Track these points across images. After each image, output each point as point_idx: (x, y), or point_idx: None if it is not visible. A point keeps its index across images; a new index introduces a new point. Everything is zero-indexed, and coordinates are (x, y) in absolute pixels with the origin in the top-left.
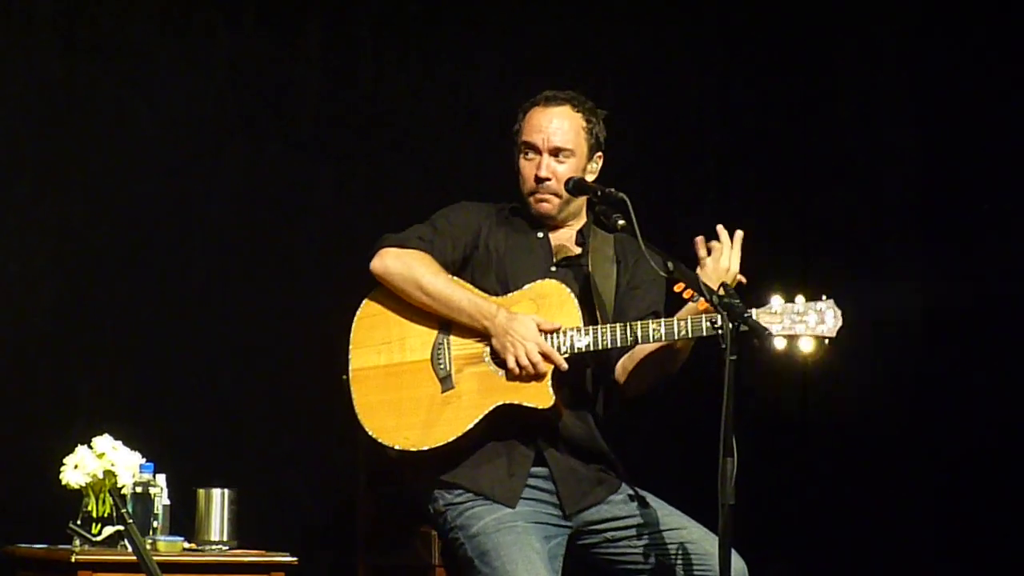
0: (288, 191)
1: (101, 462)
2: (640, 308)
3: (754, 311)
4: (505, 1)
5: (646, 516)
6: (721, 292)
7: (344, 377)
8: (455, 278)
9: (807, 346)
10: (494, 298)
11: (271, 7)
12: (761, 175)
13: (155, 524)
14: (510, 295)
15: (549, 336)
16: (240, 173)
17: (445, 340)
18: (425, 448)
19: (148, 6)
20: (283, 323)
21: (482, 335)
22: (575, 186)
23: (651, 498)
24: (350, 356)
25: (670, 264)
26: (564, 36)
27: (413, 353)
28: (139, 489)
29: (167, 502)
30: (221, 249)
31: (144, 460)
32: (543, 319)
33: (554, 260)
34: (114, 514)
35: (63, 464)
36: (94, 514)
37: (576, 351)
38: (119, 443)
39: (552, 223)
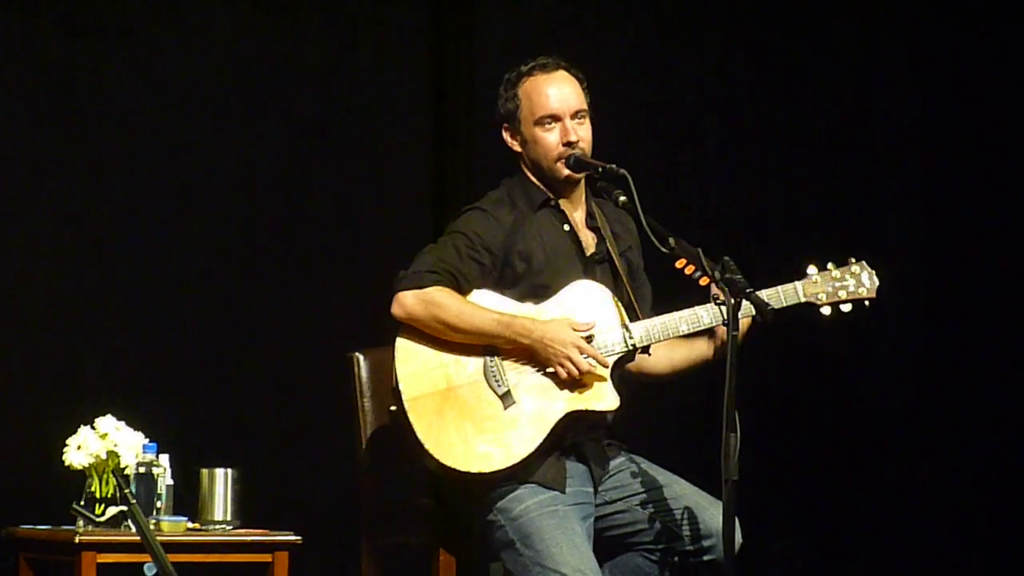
0: (289, 172)
1: (104, 443)
2: (647, 291)
3: (797, 284)
4: None
5: (646, 483)
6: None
7: (392, 409)
8: (481, 297)
9: (847, 308)
10: (530, 310)
11: None
12: (761, 152)
13: (158, 504)
14: (549, 301)
15: (602, 334)
16: (241, 154)
17: (495, 356)
18: (500, 468)
19: None
20: (285, 304)
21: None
22: (576, 162)
23: (646, 463)
24: (401, 388)
25: (671, 240)
26: (563, 14)
27: (466, 375)
28: (142, 469)
29: (170, 482)
30: (223, 230)
31: (147, 440)
32: (574, 320)
33: (587, 256)
34: (117, 495)
35: (66, 445)
36: (97, 495)
37: (630, 347)
38: (122, 424)
39: (569, 192)
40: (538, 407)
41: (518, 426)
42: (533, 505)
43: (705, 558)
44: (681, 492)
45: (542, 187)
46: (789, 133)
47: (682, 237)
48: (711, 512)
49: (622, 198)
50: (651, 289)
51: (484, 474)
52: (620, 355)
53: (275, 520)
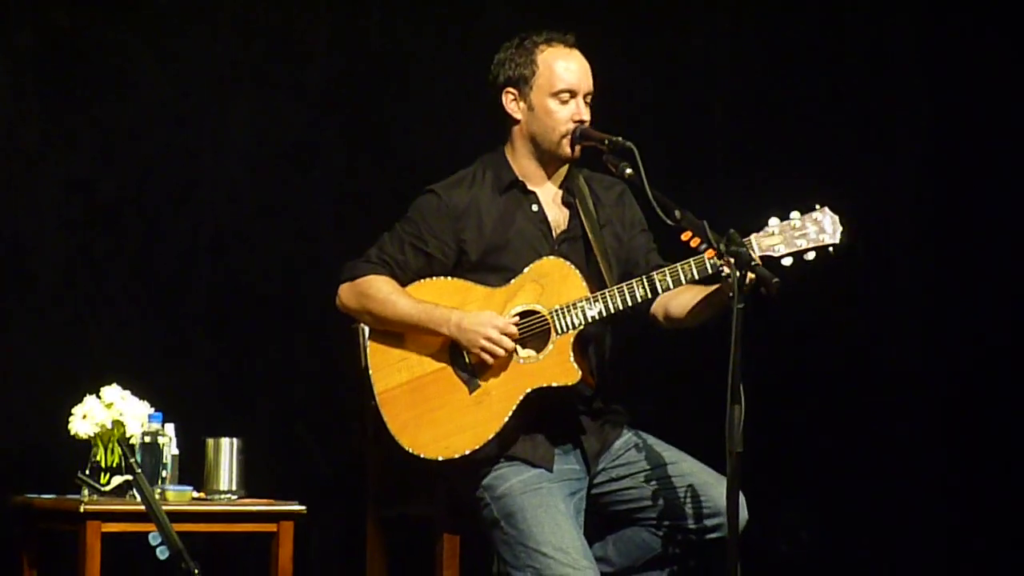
0: (297, 142)
1: (110, 412)
2: (642, 252)
3: (753, 237)
4: None
5: (651, 459)
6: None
7: (372, 403)
8: (435, 285)
9: (811, 257)
10: (498, 288)
11: None
12: (770, 126)
13: (164, 474)
14: (512, 282)
15: (559, 310)
16: (248, 124)
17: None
18: (468, 452)
19: None
20: (292, 274)
21: None
22: (582, 135)
23: (652, 439)
24: (372, 381)
25: (677, 212)
26: (569, 9)
27: (432, 363)
28: (148, 439)
29: (175, 452)
30: (230, 200)
31: (153, 410)
32: (496, 317)
33: (554, 235)
34: (123, 464)
35: (71, 414)
36: (103, 464)
37: (591, 320)
38: (127, 393)
39: (553, 169)
40: (502, 388)
41: (482, 409)
42: (517, 484)
43: (710, 536)
44: (687, 469)
45: (526, 160)
46: (798, 131)
47: (687, 209)
48: (718, 490)
49: (628, 170)
50: (652, 250)
51: (454, 459)
52: (578, 330)
53: (281, 490)
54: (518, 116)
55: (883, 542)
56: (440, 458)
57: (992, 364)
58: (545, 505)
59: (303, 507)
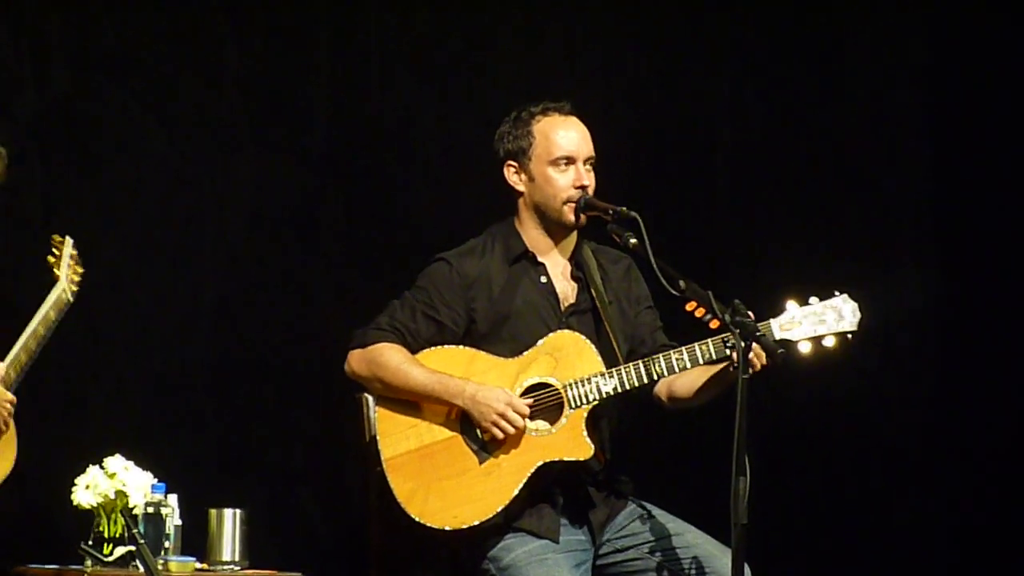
0: (298, 206)
1: (113, 482)
2: (648, 330)
3: (773, 321)
4: (512, 14)
5: (656, 530)
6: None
7: (378, 469)
8: (449, 354)
9: (830, 344)
10: (511, 359)
11: (280, 22)
12: (771, 177)
13: (167, 544)
14: (525, 354)
15: (574, 384)
16: (250, 188)
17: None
18: (476, 523)
19: (158, 21)
20: (293, 341)
21: None
22: (586, 205)
23: (657, 511)
24: (380, 447)
25: (682, 283)
26: (574, 48)
27: (442, 431)
28: (151, 509)
29: (178, 522)
30: (231, 265)
31: (156, 480)
32: (514, 396)
33: (562, 308)
34: (126, 534)
35: (74, 484)
36: (106, 534)
37: (605, 396)
38: (131, 463)
39: (560, 239)
40: (513, 460)
41: (492, 480)
42: (522, 554)
43: None
44: (692, 541)
45: (534, 231)
46: (799, 170)
47: (692, 277)
48: (723, 561)
49: (632, 240)
50: (658, 328)
51: (461, 530)
52: (592, 405)
53: (283, 560)
54: (521, 188)
55: None
56: (448, 528)
57: (998, 439)
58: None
59: None
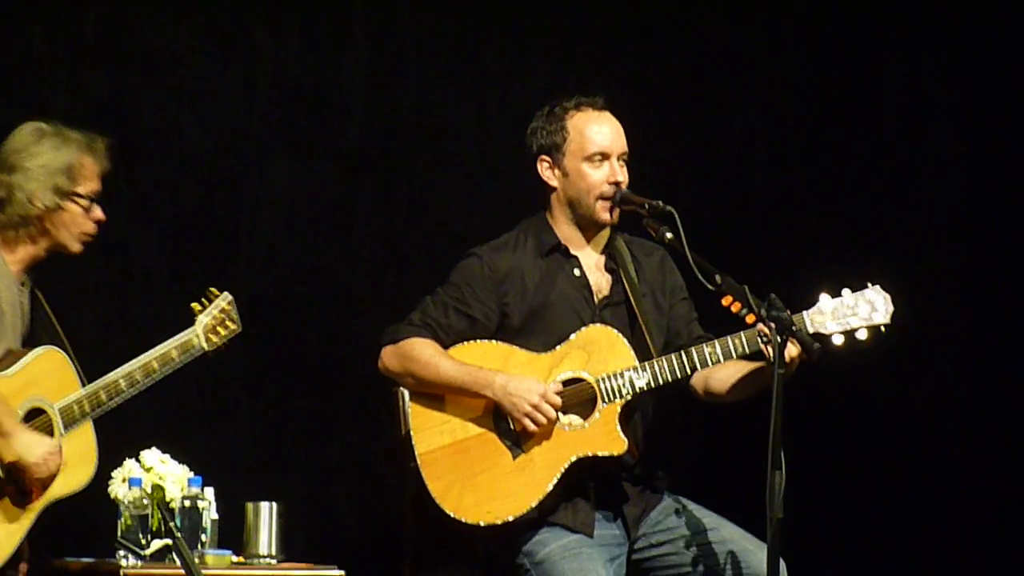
0: (333, 204)
1: (149, 476)
2: (684, 321)
3: (805, 314)
4: (549, 13)
5: (691, 525)
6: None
7: (412, 464)
8: (483, 348)
9: (863, 336)
10: (544, 354)
11: (316, 21)
12: (805, 172)
13: (203, 538)
14: (558, 348)
15: (607, 379)
16: (286, 187)
17: None
18: (510, 519)
19: (193, 21)
20: (329, 337)
21: None
22: (622, 199)
23: (692, 505)
24: (414, 442)
25: (718, 277)
26: (609, 47)
27: (475, 427)
28: (187, 503)
29: (215, 516)
30: (268, 262)
31: (192, 474)
32: (548, 388)
33: (596, 301)
34: (162, 528)
35: (111, 478)
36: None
37: (638, 390)
38: (167, 456)
39: (592, 233)
40: (546, 454)
41: (525, 476)
42: (557, 549)
43: None
44: (727, 536)
45: (567, 226)
46: (835, 165)
47: (728, 272)
48: (758, 557)
49: (668, 235)
50: (694, 319)
51: (495, 525)
52: (626, 399)
53: (319, 554)
54: (554, 183)
55: None
56: (482, 523)
57: None
58: (585, 570)
59: (342, 572)
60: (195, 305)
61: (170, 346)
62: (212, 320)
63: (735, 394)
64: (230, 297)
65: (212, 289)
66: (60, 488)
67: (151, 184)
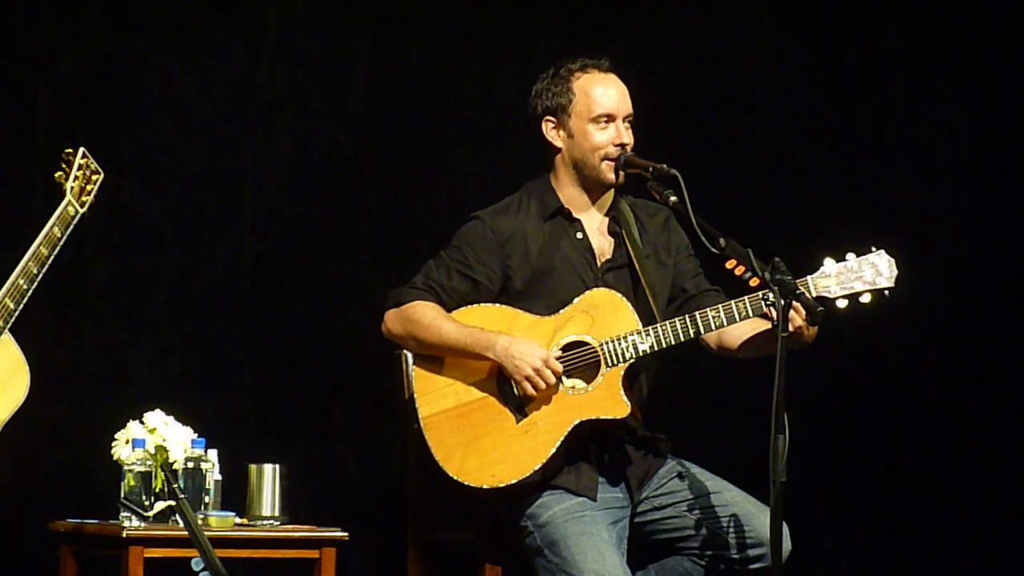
0: (338, 167)
1: (153, 437)
2: (690, 275)
3: (809, 278)
4: None
5: (694, 488)
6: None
7: (415, 428)
8: (485, 311)
9: (867, 300)
10: (548, 317)
11: None
12: (810, 136)
13: (206, 499)
14: (562, 312)
15: (610, 342)
16: (290, 148)
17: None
18: (513, 482)
19: None
20: (334, 299)
21: None
22: (626, 162)
23: (695, 468)
24: (417, 405)
25: (722, 240)
26: (614, 12)
27: (479, 390)
28: (190, 464)
29: (218, 477)
30: (271, 225)
31: (195, 435)
32: (548, 353)
33: (599, 264)
34: (166, 489)
35: (114, 439)
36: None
37: (641, 354)
38: (171, 418)
39: (597, 195)
40: (549, 418)
41: (528, 439)
42: (560, 512)
43: (753, 567)
44: (731, 499)
45: (571, 187)
46: (839, 134)
47: (732, 235)
48: (761, 520)
49: (672, 198)
50: (699, 273)
51: (499, 488)
52: (629, 363)
53: (322, 516)
54: (559, 144)
55: (923, 572)
56: (486, 486)
57: None
58: (588, 533)
59: (345, 533)
60: (58, 175)
61: (50, 227)
62: (78, 183)
63: (747, 351)
64: (83, 149)
65: (67, 150)
66: (2, 410)
67: (154, 146)
